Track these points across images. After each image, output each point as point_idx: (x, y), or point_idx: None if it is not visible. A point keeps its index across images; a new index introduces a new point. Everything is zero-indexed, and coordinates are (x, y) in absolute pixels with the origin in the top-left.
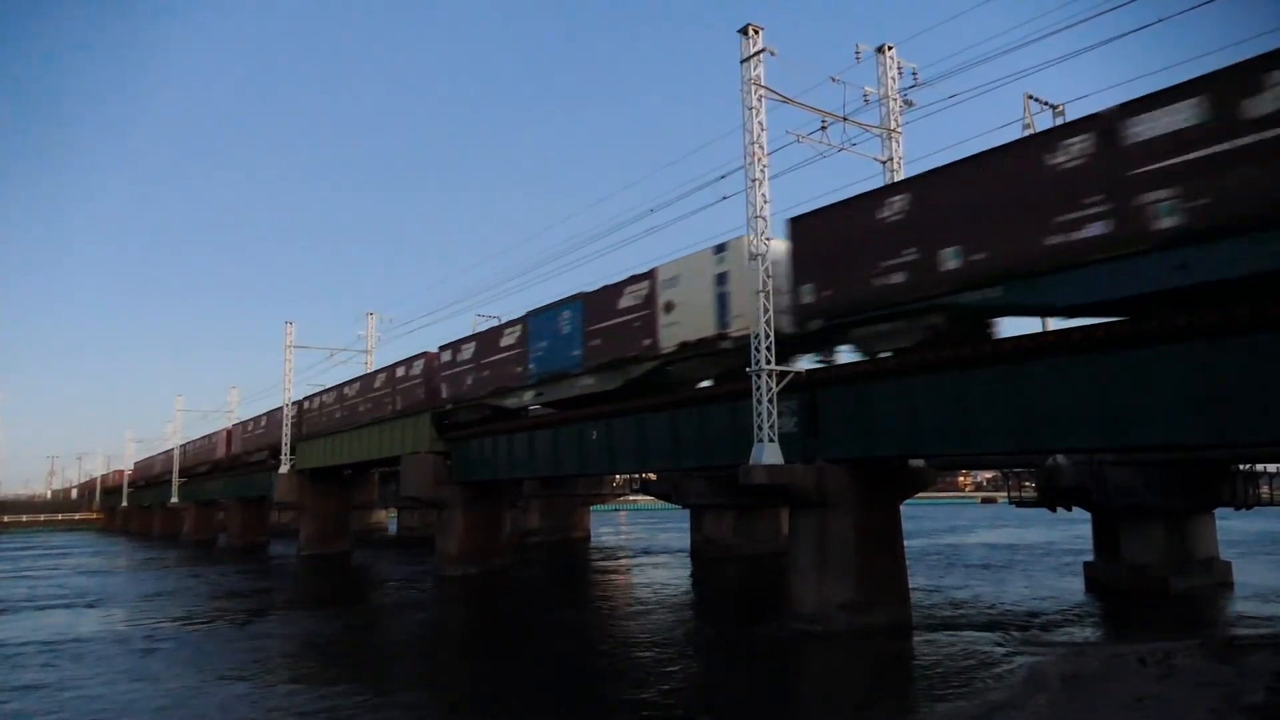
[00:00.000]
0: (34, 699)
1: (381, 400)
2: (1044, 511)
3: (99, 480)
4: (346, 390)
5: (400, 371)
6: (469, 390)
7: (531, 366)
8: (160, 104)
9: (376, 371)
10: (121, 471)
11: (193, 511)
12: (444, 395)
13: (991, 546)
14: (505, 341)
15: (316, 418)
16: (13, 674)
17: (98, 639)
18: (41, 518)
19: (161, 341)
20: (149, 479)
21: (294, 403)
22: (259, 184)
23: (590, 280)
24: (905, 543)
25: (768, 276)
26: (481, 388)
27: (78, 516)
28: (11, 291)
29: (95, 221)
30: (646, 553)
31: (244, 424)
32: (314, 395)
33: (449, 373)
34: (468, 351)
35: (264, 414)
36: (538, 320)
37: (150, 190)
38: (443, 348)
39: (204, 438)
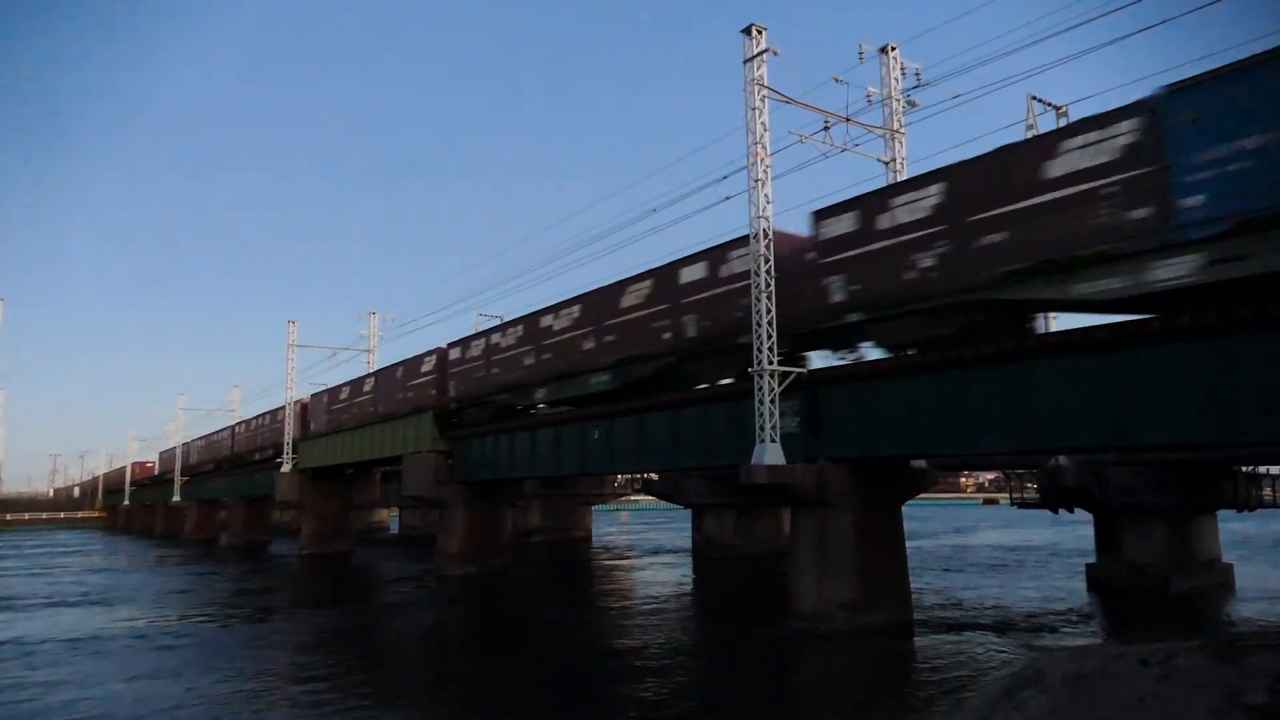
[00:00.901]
0: (62, 696)
1: (646, 326)
2: (1049, 513)
3: (101, 479)
4: (549, 321)
5: (693, 272)
6: (933, 280)
7: (1191, 203)
8: (161, 102)
9: (623, 283)
10: (142, 464)
11: (194, 510)
12: (836, 297)
13: (996, 547)
14: (1069, 164)
15: (478, 371)
16: (40, 672)
17: (118, 637)
18: (44, 516)
19: (163, 340)
20: (184, 471)
21: (435, 349)
22: (260, 183)
23: (591, 281)
24: (910, 544)
25: (769, 277)
26: (1000, 259)
27: (80, 515)
28: (13, 290)
29: (97, 220)
30: (647, 552)
31: (334, 391)
32: (473, 337)
33: (854, 254)
34: (923, 204)
35: (369, 374)
36: (1216, 92)
37: (151, 189)
38: (824, 213)
39: (264, 415)
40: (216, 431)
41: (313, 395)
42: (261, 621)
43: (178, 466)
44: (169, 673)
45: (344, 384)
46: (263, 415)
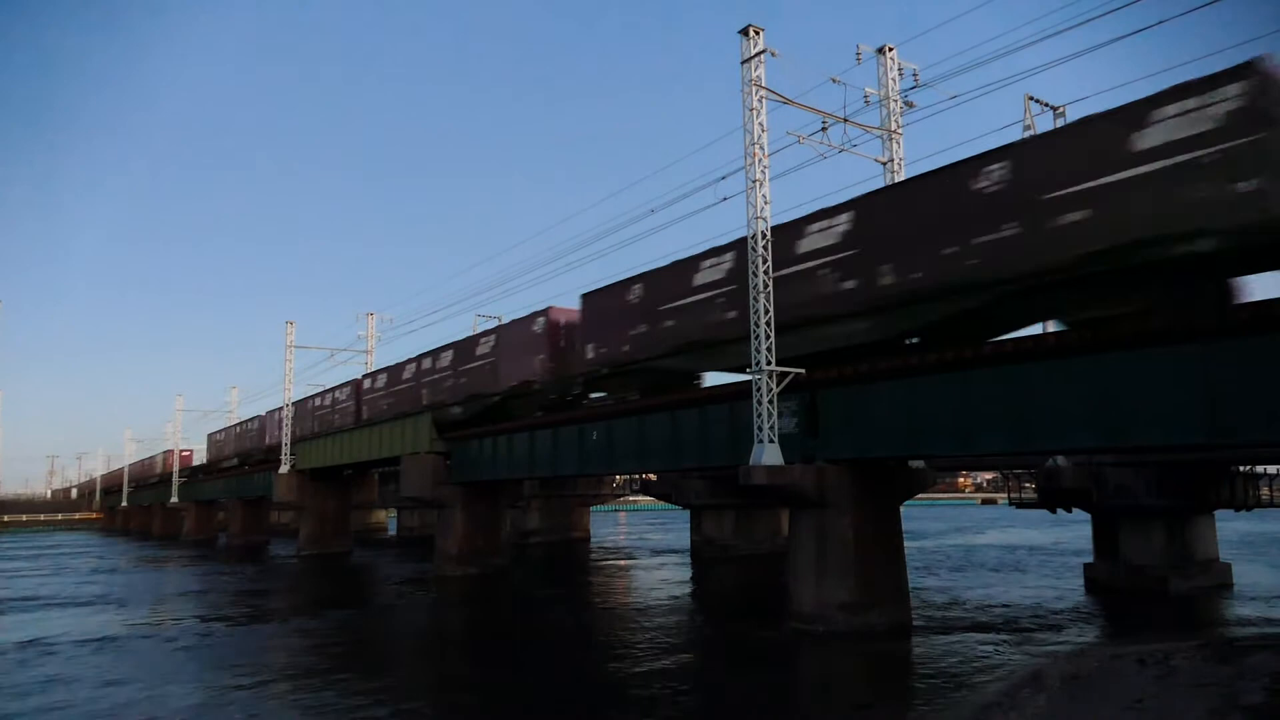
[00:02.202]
0: (101, 695)
1: None
2: (1051, 512)
3: (99, 480)
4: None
5: None
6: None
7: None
8: (160, 101)
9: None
10: (181, 453)
11: (193, 511)
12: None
13: (999, 547)
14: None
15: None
16: (78, 670)
17: (137, 637)
18: (41, 517)
19: (161, 341)
20: (260, 451)
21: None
22: (259, 182)
23: (591, 280)
24: (914, 544)
25: (768, 277)
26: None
27: (77, 516)
28: (11, 290)
29: (95, 220)
30: (646, 553)
31: (659, 280)
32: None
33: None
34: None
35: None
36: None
37: (150, 188)
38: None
39: (427, 356)
40: (325, 391)
41: (588, 296)
42: (272, 622)
43: (174, 470)
44: (193, 675)
45: (670, 266)
46: (422, 357)
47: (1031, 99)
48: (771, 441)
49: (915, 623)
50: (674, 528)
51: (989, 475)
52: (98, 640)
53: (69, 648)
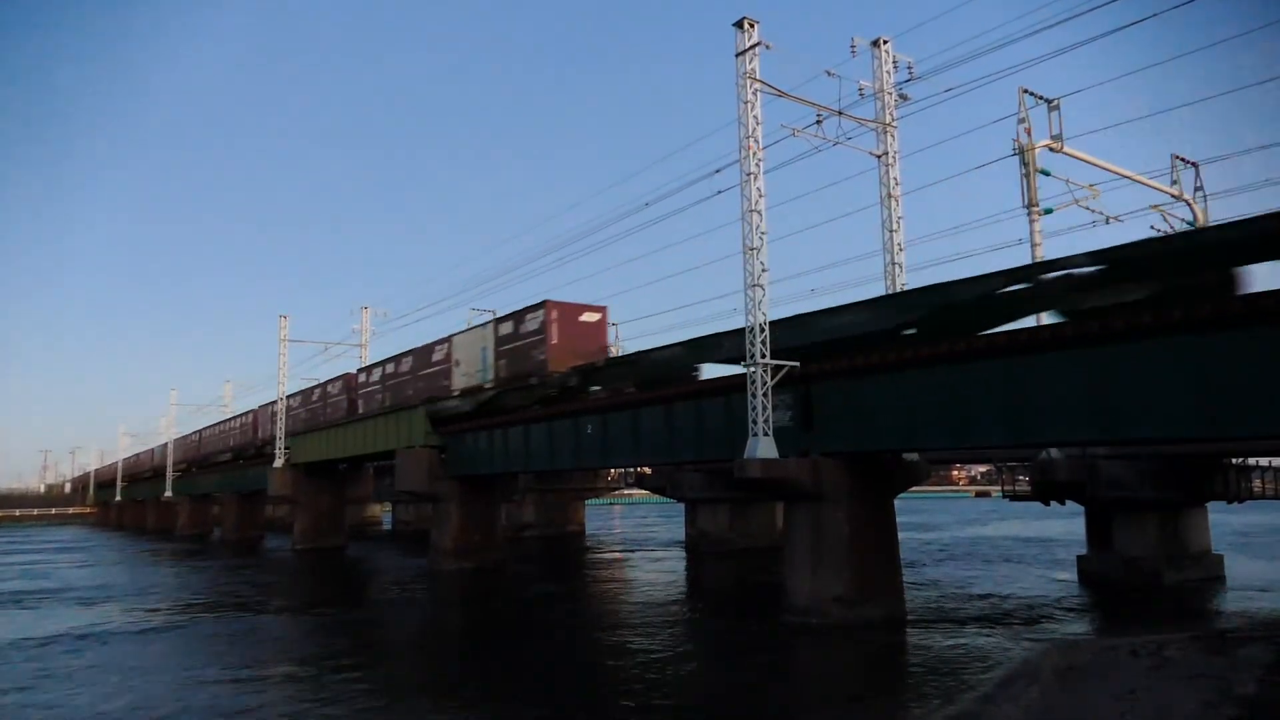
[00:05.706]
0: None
1: None
2: (1045, 505)
3: (92, 474)
4: None
5: None
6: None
7: None
8: (157, 95)
9: None
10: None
11: (186, 506)
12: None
13: (1004, 539)
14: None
15: None
16: (133, 658)
17: (181, 628)
18: (35, 512)
19: (155, 336)
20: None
21: None
22: (254, 178)
23: (590, 276)
24: (925, 535)
25: (763, 270)
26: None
27: (71, 511)
28: (5, 285)
29: (90, 214)
30: (642, 546)
31: None
32: None
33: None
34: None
35: None
36: None
37: (146, 183)
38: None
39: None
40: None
41: None
42: (281, 616)
43: (169, 462)
44: (241, 662)
45: None
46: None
47: (1026, 92)
48: (766, 435)
49: (910, 615)
50: (669, 521)
51: (983, 468)
52: (148, 630)
53: (121, 638)
